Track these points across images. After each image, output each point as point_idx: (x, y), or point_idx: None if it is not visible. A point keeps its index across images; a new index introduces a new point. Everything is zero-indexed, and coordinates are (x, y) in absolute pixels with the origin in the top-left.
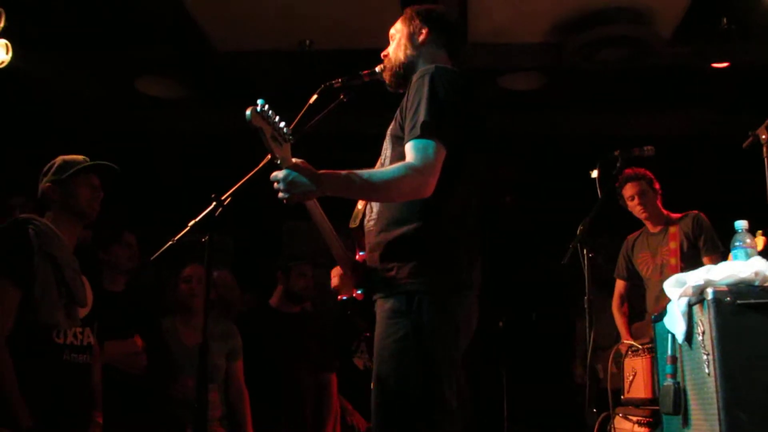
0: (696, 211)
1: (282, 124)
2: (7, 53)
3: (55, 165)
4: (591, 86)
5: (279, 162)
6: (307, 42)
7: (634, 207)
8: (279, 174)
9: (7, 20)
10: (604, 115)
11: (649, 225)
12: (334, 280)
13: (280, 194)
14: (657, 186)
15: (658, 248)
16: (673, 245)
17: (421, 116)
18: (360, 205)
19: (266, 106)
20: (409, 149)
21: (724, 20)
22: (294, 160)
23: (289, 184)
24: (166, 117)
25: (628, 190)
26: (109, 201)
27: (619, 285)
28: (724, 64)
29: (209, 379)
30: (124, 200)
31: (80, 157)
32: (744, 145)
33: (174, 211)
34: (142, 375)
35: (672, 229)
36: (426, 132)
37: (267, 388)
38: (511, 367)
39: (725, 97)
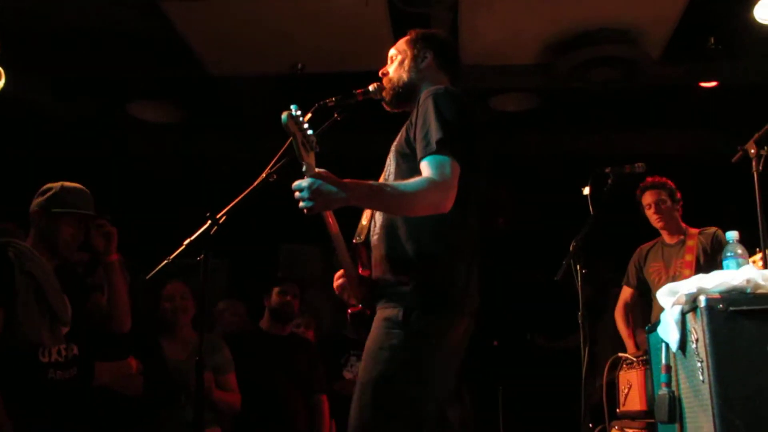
0: (716, 228)
1: (310, 132)
2: (0, 79)
3: (52, 192)
4: (582, 106)
5: (304, 169)
6: (299, 65)
7: (651, 216)
8: (303, 182)
9: (1, 46)
10: (595, 134)
11: (665, 235)
12: (339, 281)
13: (302, 203)
14: (678, 196)
15: (672, 260)
16: (689, 258)
17: (435, 133)
18: (365, 220)
19: (299, 112)
20: (426, 165)
21: (712, 40)
22: (317, 169)
23: (314, 192)
24: (158, 141)
25: (647, 198)
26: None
27: (626, 293)
28: (712, 84)
29: None
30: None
31: (81, 187)
32: (733, 159)
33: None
34: (139, 396)
35: (690, 242)
36: (441, 148)
37: (258, 410)
38: (507, 386)
39: (713, 115)
